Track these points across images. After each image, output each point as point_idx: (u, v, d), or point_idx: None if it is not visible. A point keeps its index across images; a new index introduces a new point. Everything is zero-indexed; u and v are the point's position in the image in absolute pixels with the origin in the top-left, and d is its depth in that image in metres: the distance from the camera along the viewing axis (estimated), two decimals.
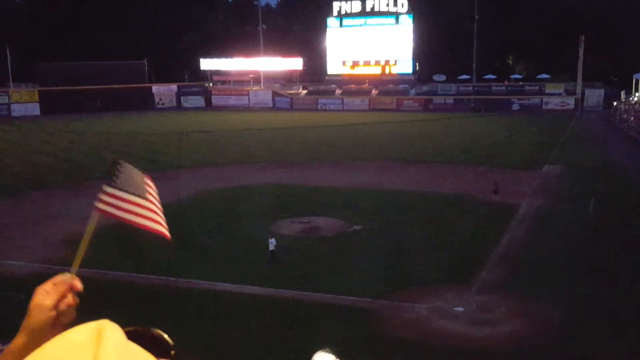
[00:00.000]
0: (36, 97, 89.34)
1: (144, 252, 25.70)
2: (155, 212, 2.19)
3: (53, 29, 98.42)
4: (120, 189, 2.09)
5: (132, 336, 1.33)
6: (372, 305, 19.96)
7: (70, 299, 1.77)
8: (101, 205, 2.08)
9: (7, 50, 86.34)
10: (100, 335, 1.27)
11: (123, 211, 2.11)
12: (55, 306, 1.73)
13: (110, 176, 2.09)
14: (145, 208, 2.16)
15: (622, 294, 20.64)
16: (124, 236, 27.76)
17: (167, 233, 2.21)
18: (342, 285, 21.42)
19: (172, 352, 1.42)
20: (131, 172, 2.15)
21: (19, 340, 1.68)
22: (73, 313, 1.76)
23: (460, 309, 19.45)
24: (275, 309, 19.64)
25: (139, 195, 2.14)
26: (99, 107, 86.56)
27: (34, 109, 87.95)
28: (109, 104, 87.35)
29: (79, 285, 1.80)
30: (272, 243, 23.85)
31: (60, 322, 1.73)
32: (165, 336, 1.45)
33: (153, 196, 2.20)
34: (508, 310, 19.45)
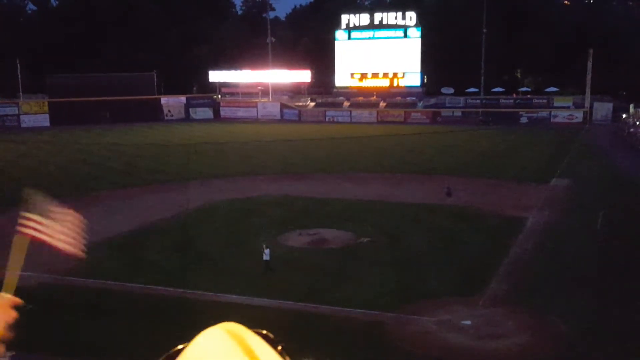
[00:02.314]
0: (46, 109, 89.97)
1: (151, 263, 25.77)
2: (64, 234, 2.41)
3: (63, 41, 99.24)
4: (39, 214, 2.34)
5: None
6: (379, 318, 19.87)
7: (9, 317, 1.86)
8: (25, 230, 2.28)
9: (18, 61, 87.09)
10: (236, 335, 1.31)
11: (41, 232, 2.35)
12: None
13: (28, 204, 2.29)
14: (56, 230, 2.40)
15: (631, 308, 20.46)
16: (132, 247, 27.89)
17: (74, 251, 2.40)
18: (349, 297, 21.36)
19: (279, 347, 1.45)
20: (43, 201, 2.39)
21: None
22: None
23: (468, 322, 19.34)
24: (280, 321, 19.58)
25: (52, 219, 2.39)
26: (108, 119, 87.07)
27: (44, 120, 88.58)
28: (118, 115, 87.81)
29: (18, 299, 1.90)
30: (266, 253, 24.04)
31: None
32: (271, 336, 1.51)
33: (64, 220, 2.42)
34: (515, 324, 19.33)
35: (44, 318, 18.39)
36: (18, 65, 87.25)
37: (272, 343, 1.45)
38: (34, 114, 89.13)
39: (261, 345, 1.37)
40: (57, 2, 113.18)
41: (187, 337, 1.45)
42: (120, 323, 19.26)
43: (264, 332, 1.48)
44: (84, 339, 18.27)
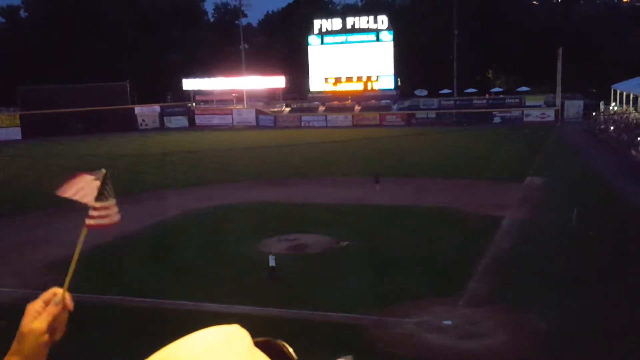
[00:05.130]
0: (17, 121, 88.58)
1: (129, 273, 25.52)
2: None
3: (34, 52, 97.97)
4: (108, 199, 2.10)
5: (259, 346, 1.38)
6: (361, 321, 19.91)
7: (62, 317, 1.75)
8: (92, 221, 2.08)
9: None
10: (229, 339, 1.31)
11: (107, 218, 2.11)
12: (49, 328, 1.70)
13: (101, 192, 2.10)
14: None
15: (608, 304, 20.74)
16: (108, 259, 27.58)
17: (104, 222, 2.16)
18: (330, 301, 21.37)
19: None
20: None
21: None
22: (64, 329, 1.75)
23: (449, 322, 19.46)
24: (263, 327, 19.48)
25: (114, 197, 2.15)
26: (82, 130, 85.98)
27: (16, 133, 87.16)
28: (92, 126, 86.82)
29: (70, 305, 1.78)
30: (272, 258, 23.96)
31: (52, 341, 1.70)
32: (290, 349, 1.47)
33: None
34: (496, 323, 19.49)
35: None
36: None
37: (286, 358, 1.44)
38: (6, 127, 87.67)
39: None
40: (26, 14, 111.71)
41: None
42: (99, 336, 19.03)
43: (287, 347, 1.46)
44: (63, 353, 18.01)
